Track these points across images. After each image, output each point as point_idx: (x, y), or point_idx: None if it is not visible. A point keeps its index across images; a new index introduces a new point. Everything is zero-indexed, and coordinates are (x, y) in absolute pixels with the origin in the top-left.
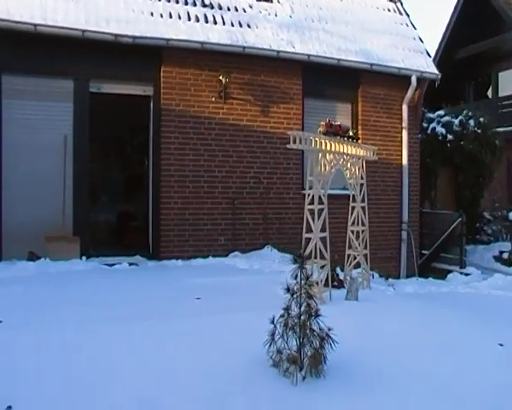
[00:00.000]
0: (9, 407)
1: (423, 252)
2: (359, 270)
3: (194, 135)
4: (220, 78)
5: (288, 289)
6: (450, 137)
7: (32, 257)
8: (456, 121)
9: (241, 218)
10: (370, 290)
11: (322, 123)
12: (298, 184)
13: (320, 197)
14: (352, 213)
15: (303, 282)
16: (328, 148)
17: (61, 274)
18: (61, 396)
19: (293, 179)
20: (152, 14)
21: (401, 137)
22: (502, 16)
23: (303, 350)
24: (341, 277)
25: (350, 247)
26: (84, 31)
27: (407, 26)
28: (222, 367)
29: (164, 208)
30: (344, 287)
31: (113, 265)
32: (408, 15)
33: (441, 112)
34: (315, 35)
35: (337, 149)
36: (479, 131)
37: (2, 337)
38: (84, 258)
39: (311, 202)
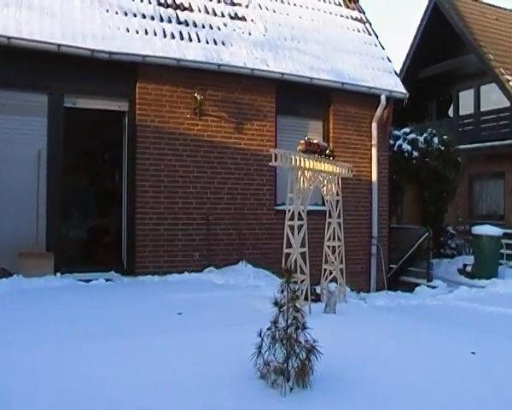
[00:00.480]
0: None
1: (391, 266)
2: (335, 284)
3: (169, 151)
4: (195, 95)
5: (275, 303)
6: (415, 154)
7: (4, 274)
8: (421, 139)
9: (216, 233)
10: (346, 304)
11: (302, 141)
12: (271, 200)
13: (300, 213)
14: (328, 229)
15: (289, 296)
16: (307, 165)
17: (37, 291)
18: None
19: (267, 195)
20: (128, 30)
21: (370, 154)
22: (462, 39)
23: (290, 362)
24: (318, 291)
25: (326, 261)
26: (59, 45)
27: (376, 46)
28: (210, 380)
29: (139, 224)
30: (321, 301)
31: (90, 281)
32: (377, 36)
33: (407, 129)
34: (288, 54)
35: (315, 167)
36: (442, 148)
37: None
38: (58, 274)
39: (291, 218)
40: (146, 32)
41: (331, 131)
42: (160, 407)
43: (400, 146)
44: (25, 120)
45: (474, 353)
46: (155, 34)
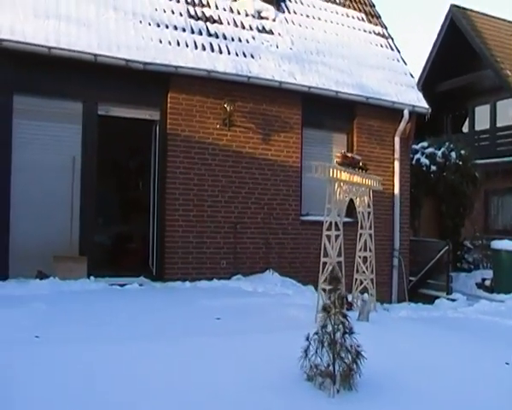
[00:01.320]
0: None
1: (411, 278)
2: (366, 294)
3: (199, 160)
4: (225, 106)
5: (324, 309)
6: (433, 168)
7: (41, 276)
8: (439, 153)
9: (243, 242)
10: (376, 313)
11: (338, 154)
12: (296, 211)
13: (336, 224)
14: (359, 240)
15: (338, 302)
16: (344, 178)
17: (77, 293)
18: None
19: (293, 206)
20: (161, 41)
21: (393, 167)
22: (479, 55)
23: (336, 365)
24: (349, 299)
25: (357, 271)
26: (96, 55)
27: (398, 61)
28: (258, 383)
29: (169, 231)
30: (352, 309)
31: (124, 285)
32: (399, 51)
33: (425, 143)
34: (314, 67)
35: (351, 179)
36: (460, 163)
37: (50, 351)
38: (92, 278)
39: (329, 228)
40: (178, 44)
41: (355, 144)
42: (214, 405)
43: (418, 160)
44: (60, 127)
45: (508, 363)
46: (187, 46)
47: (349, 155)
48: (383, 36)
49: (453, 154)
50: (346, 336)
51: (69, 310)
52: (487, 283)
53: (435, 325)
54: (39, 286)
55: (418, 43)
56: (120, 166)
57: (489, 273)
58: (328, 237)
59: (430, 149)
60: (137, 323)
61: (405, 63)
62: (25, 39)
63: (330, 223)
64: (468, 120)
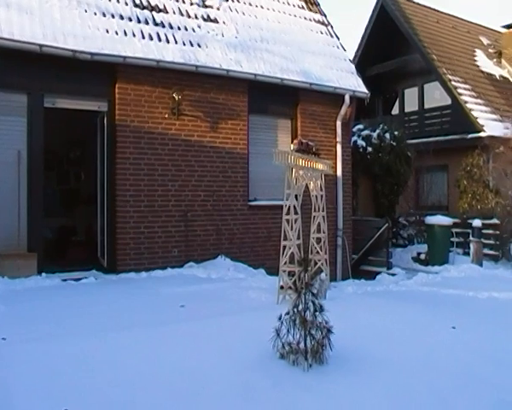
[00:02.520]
0: None
1: (352, 256)
2: (323, 273)
3: (149, 150)
4: (174, 95)
5: (295, 289)
6: (369, 149)
7: None
8: (375, 135)
9: (193, 230)
10: (330, 291)
11: (295, 141)
12: (244, 196)
13: (295, 207)
14: (313, 222)
15: (306, 282)
16: (301, 164)
17: (32, 290)
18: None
19: (241, 192)
20: (107, 31)
21: (335, 150)
22: (407, 39)
23: (308, 342)
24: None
25: (311, 252)
26: (41, 45)
27: (338, 48)
28: (236, 362)
29: (120, 222)
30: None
31: (79, 279)
32: (338, 38)
33: (361, 126)
34: (259, 55)
35: (306, 165)
36: (394, 143)
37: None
38: (43, 274)
39: (288, 213)
40: (125, 33)
41: (299, 129)
42: (204, 387)
43: (355, 142)
44: (4, 120)
45: (454, 327)
46: (134, 35)
47: (304, 141)
48: (323, 23)
49: (387, 135)
50: (317, 313)
51: (29, 308)
52: (422, 256)
53: (384, 298)
54: None
55: (351, 28)
56: (61, 158)
57: (423, 247)
58: (288, 220)
59: (366, 132)
60: (105, 315)
61: (345, 49)
62: None
63: (289, 207)
64: (398, 101)
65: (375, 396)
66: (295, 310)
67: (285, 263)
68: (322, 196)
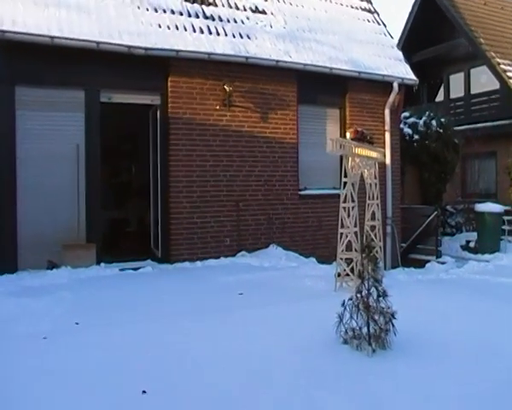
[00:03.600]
0: (144, 392)
1: (401, 245)
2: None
3: (201, 142)
4: (225, 86)
5: (359, 275)
6: (416, 137)
7: (52, 265)
8: (421, 122)
9: (245, 219)
10: (385, 278)
11: (351, 130)
12: (295, 186)
13: (352, 195)
14: (368, 210)
15: (370, 268)
16: (357, 152)
17: (95, 279)
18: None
19: (291, 181)
20: (160, 25)
21: (384, 138)
22: (453, 24)
23: (371, 327)
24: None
25: (365, 240)
26: (98, 42)
27: (385, 35)
28: (300, 348)
29: (173, 213)
30: None
31: (138, 268)
32: (385, 25)
33: (406, 113)
34: (308, 45)
35: (362, 153)
36: (441, 130)
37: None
38: (102, 264)
39: (345, 201)
40: (177, 28)
41: (348, 118)
42: (272, 371)
43: (402, 130)
44: (63, 115)
45: None
46: (185, 29)
47: (359, 130)
48: (369, 11)
49: (434, 122)
50: (381, 299)
51: (96, 296)
52: (472, 245)
53: (437, 285)
54: (56, 275)
55: (395, 13)
56: (112, 152)
57: (472, 236)
58: (345, 208)
59: (412, 119)
60: (173, 302)
61: (392, 37)
62: (27, 30)
63: (345, 195)
64: (443, 88)
65: (444, 381)
66: (358, 296)
67: (342, 251)
68: (376, 184)
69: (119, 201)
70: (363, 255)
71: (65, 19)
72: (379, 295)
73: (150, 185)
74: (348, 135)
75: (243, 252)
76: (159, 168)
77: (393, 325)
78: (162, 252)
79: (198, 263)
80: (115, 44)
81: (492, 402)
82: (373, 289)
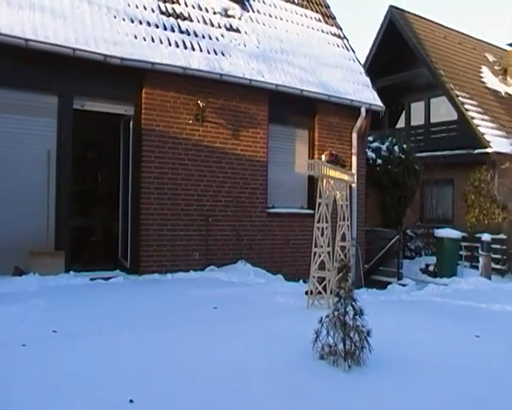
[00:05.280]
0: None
1: (364, 265)
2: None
3: (173, 155)
4: (198, 102)
5: (337, 294)
6: (379, 161)
7: (19, 272)
8: (384, 147)
9: (214, 234)
10: None
11: (326, 152)
12: (263, 204)
13: (326, 216)
14: (338, 231)
15: (347, 287)
16: (332, 174)
17: (66, 288)
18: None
19: (260, 199)
20: (136, 36)
21: (351, 161)
22: (415, 53)
23: (347, 344)
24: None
25: (336, 260)
26: (74, 49)
27: (354, 61)
28: (279, 363)
29: (144, 224)
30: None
31: (108, 279)
32: (354, 52)
33: (370, 138)
34: (280, 66)
35: (336, 176)
36: (403, 156)
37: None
38: (71, 272)
39: (319, 221)
40: (153, 40)
41: (316, 140)
42: (252, 385)
43: (366, 154)
44: (35, 120)
45: (478, 336)
46: (161, 42)
47: (334, 153)
48: (339, 36)
49: (396, 148)
50: (357, 317)
51: (69, 305)
52: (431, 268)
53: (400, 306)
54: (26, 282)
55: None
56: (78, 159)
57: (431, 259)
58: (319, 228)
59: (375, 144)
60: (143, 313)
61: (360, 63)
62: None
63: (320, 216)
64: (404, 114)
65: (418, 397)
66: (336, 313)
67: (315, 269)
68: (347, 205)
69: (84, 209)
70: (341, 275)
71: (39, 22)
72: (355, 314)
73: (119, 195)
74: (323, 157)
75: (212, 267)
76: (130, 179)
77: (369, 343)
78: (131, 263)
79: (169, 275)
80: (91, 52)
81: None
82: (349, 308)
